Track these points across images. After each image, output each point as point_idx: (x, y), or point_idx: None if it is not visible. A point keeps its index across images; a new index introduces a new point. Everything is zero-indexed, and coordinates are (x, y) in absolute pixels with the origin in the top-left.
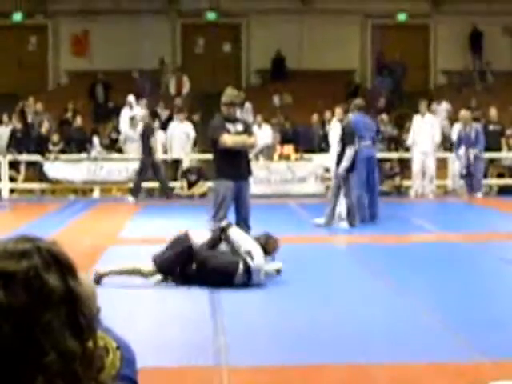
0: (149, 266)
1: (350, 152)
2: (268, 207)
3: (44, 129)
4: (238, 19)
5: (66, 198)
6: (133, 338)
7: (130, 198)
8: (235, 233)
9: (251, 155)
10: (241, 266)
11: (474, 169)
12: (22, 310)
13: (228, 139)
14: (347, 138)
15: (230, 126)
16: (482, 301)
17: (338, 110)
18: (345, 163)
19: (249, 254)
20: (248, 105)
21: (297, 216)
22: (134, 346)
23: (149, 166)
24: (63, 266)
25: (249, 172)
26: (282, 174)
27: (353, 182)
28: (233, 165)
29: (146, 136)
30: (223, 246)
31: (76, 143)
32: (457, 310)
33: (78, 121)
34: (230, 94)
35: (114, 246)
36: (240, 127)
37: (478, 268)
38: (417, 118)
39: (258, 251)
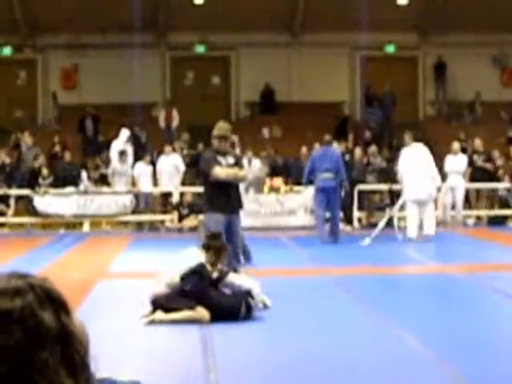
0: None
1: None
2: (257, 240)
3: (37, 163)
4: (227, 52)
5: (56, 231)
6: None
7: None
8: (233, 278)
9: (241, 188)
10: (243, 308)
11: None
12: (18, 349)
13: (221, 172)
14: None
15: (221, 158)
16: (471, 331)
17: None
18: None
19: (249, 293)
20: (235, 137)
21: (286, 249)
22: None
23: None
24: (57, 303)
25: (240, 205)
26: (271, 207)
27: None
28: (224, 197)
29: None
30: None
31: (65, 177)
32: (447, 341)
33: (67, 155)
34: (221, 127)
35: (104, 281)
36: (231, 160)
37: (467, 298)
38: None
39: (255, 286)
